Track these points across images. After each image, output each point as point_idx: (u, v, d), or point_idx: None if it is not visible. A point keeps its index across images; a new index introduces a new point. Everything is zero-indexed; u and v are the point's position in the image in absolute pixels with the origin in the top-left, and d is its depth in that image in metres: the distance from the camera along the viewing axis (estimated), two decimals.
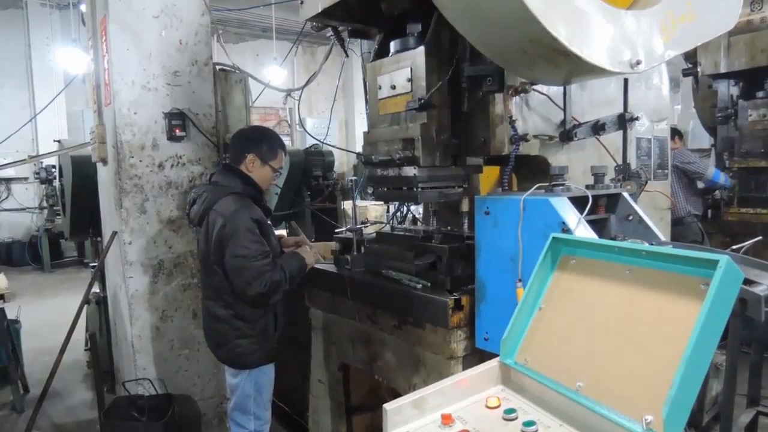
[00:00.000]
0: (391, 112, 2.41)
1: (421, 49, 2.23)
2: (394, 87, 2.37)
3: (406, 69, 2.30)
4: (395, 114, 2.39)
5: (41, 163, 9.86)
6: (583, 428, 1.19)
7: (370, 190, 2.73)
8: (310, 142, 8.22)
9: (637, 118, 2.51)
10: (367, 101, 2.82)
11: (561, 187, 1.85)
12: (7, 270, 9.40)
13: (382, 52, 2.51)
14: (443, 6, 1.59)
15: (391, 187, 2.42)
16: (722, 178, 5.23)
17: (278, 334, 2.70)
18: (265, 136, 2.79)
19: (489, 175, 2.60)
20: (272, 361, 2.74)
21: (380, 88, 2.45)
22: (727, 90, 5.65)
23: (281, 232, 5.83)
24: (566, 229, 1.63)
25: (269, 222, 2.77)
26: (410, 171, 2.24)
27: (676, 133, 5.38)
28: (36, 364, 5.21)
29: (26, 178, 11.66)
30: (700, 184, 5.54)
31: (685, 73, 5.95)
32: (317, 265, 2.79)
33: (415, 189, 2.24)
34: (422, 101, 2.18)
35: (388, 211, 3.15)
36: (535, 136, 2.27)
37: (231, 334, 2.62)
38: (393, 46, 2.40)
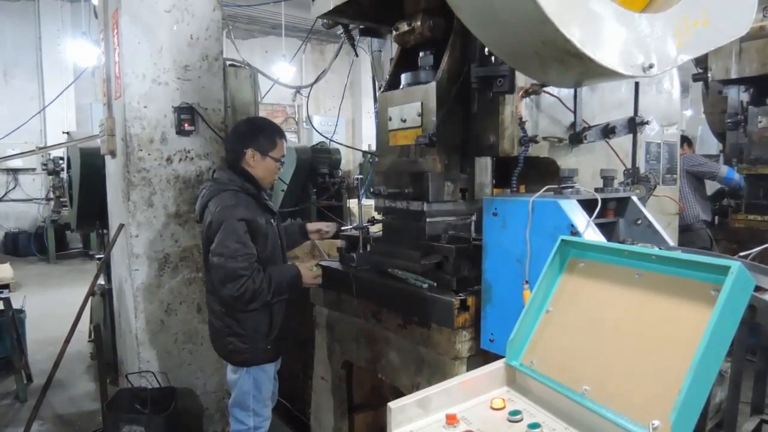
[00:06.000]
0: (401, 144, 2.44)
1: (433, 84, 2.24)
2: (404, 120, 2.38)
3: (416, 103, 2.31)
4: (405, 146, 2.41)
5: (49, 154, 9.92)
6: None
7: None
8: (316, 139, 8.22)
9: (647, 122, 2.49)
10: (375, 100, 2.82)
11: (570, 190, 1.84)
12: (12, 260, 9.47)
13: (393, 83, 2.53)
14: (457, 7, 1.59)
15: (400, 219, 2.45)
16: (737, 175, 5.19)
17: (274, 336, 2.68)
18: (260, 128, 2.74)
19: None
20: (269, 362, 2.72)
21: (390, 119, 2.47)
22: (738, 96, 5.62)
23: None
24: (575, 232, 1.62)
25: (273, 219, 2.74)
26: (419, 206, 2.27)
27: (685, 140, 5.37)
28: (39, 354, 5.24)
29: (34, 169, 11.74)
30: (710, 190, 5.51)
31: (696, 78, 5.92)
32: (322, 263, 2.79)
33: (422, 222, 2.27)
34: (432, 138, 2.20)
35: None
36: (544, 138, 2.26)
37: (224, 330, 2.65)
38: (404, 78, 2.42)
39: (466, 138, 2.33)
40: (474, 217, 2.28)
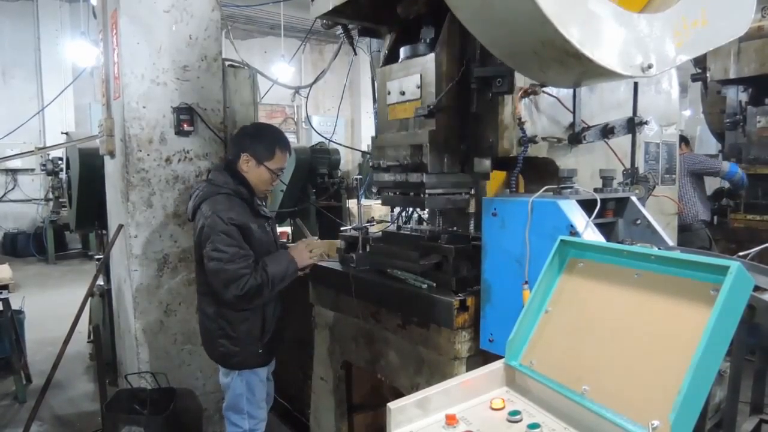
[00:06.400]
0: (400, 117, 2.42)
1: (432, 56, 2.23)
2: (403, 93, 2.37)
3: (415, 75, 2.30)
4: (404, 120, 2.40)
5: (48, 154, 9.92)
6: None
7: (374, 190, 2.72)
8: (315, 139, 8.22)
9: (646, 122, 2.49)
10: (375, 100, 2.81)
11: (569, 190, 1.84)
12: (11, 261, 9.44)
13: (392, 57, 2.52)
14: (456, 6, 1.59)
15: (399, 192, 2.44)
16: (739, 171, 5.18)
17: (267, 339, 2.67)
18: (263, 135, 2.71)
19: (495, 176, 2.60)
20: (261, 366, 2.71)
21: (389, 93, 2.46)
22: (736, 96, 5.64)
23: (285, 229, 5.86)
24: (574, 232, 1.62)
25: (267, 224, 2.72)
26: (418, 177, 2.25)
27: (683, 140, 5.38)
28: (39, 355, 5.24)
29: (33, 170, 11.74)
30: (709, 190, 5.51)
31: (694, 78, 5.94)
32: (321, 263, 2.78)
33: (422, 195, 2.26)
34: (431, 108, 2.19)
35: (392, 210, 3.14)
36: (543, 139, 2.26)
37: (216, 332, 2.63)
38: (403, 51, 2.41)
39: (466, 113, 2.31)
40: (473, 191, 2.27)
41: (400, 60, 2.42)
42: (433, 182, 2.24)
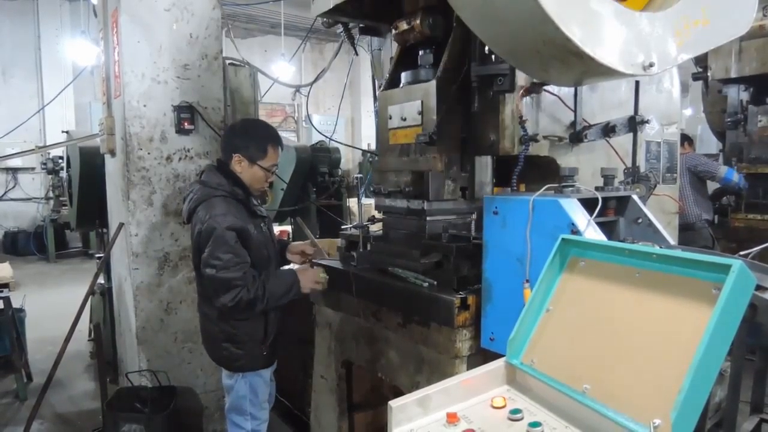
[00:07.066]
0: (401, 142, 2.43)
1: (433, 83, 2.23)
2: (404, 119, 2.38)
3: (417, 102, 2.31)
4: (405, 145, 2.41)
5: (48, 153, 9.93)
6: (589, 431, 1.19)
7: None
8: (316, 138, 8.22)
9: (647, 121, 2.49)
10: (375, 99, 2.82)
11: (570, 189, 1.84)
12: (12, 259, 9.44)
13: (393, 82, 2.52)
14: (458, 6, 1.59)
15: (400, 217, 2.45)
16: (736, 176, 5.19)
17: (269, 342, 2.65)
18: (253, 134, 2.65)
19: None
20: (265, 367, 2.69)
21: (390, 117, 2.46)
22: (737, 95, 5.63)
23: (286, 228, 5.86)
24: (575, 231, 1.62)
25: (264, 224, 2.70)
26: (419, 204, 2.26)
27: (685, 139, 5.38)
28: (39, 354, 5.24)
29: (33, 169, 11.75)
30: (711, 188, 5.51)
31: (695, 77, 5.93)
32: (322, 262, 2.78)
33: (423, 221, 2.27)
34: (433, 136, 2.19)
35: None
36: (544, 137, 2.26)
37: (218, 336, 2.61)
38: (404, 77, 2.41)
39: (467, 137, 2.33)
40: (474, 216, 2.28)
41: (401, 85, 2.43)
42: (434, 209, 2.26)
